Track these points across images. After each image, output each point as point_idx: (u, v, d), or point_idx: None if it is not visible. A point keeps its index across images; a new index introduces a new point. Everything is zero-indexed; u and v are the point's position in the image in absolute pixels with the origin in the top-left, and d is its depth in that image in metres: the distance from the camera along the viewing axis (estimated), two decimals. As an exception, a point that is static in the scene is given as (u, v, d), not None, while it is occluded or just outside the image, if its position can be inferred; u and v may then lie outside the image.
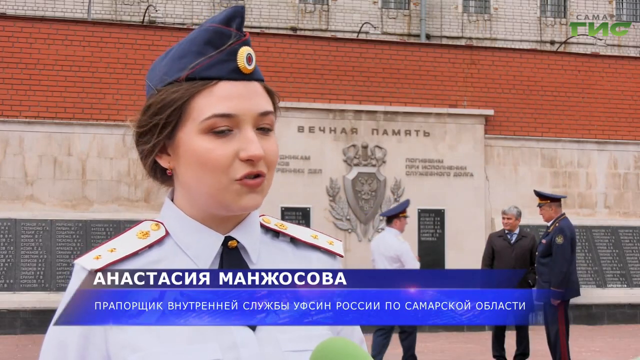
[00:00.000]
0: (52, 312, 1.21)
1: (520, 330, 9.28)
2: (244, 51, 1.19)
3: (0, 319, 12.08)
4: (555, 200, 8.60)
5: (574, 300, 13.81)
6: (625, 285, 14.74)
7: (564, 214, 8.50)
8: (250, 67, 1.20)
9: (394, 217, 8.91)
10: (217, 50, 1.18)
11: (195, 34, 1.22)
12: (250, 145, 1.16)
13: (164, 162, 1.24)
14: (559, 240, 8.19)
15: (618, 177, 15.70)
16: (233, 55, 1.18)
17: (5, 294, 12.28)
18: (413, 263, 8.65)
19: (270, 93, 1.25)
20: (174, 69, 1.21)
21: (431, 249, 14.49)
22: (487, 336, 10.01)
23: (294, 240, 1.30)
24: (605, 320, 13.95)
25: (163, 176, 1.27)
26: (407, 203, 9.19)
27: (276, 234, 1.31)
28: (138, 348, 1.14)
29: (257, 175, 1.18)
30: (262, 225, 1.29)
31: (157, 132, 1.20)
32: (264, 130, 1.20)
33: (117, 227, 12.82)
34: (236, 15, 1.20)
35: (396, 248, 8.67)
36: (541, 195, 8.84)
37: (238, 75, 1.19)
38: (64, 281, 12.41)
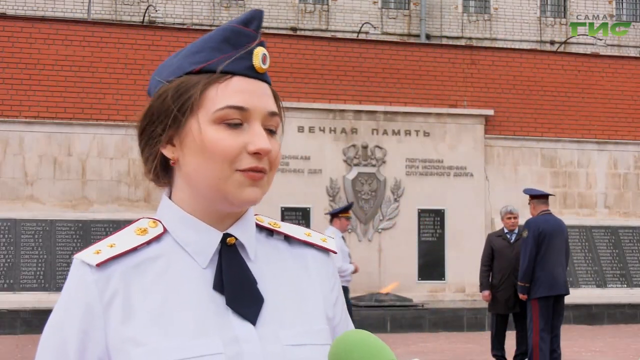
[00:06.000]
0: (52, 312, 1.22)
1: (520, 330, 9.27)
2: (259, 51, 1.25)
3: (0, 319, 12.07)
4: (536, 197, 8.57)
5: (573, 300, 13.86)
6: (625, 285, 14.73)
7: (545, 210, 8.42)
8: (265, 67, 1.26)
9: (334, 216, 9.25)
10: (234, 48, 1.24)
11: (212, 33, 1.27)
12: (259, 139, 1.21)
13: (168, 152, 1.25)
14: (524, 234, 8.29)
15: (618, 177, 15.70)
16: (250, 54, 1.24)
17: (5, 294, 12.28)
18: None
19: (275, 97, 1.29)
20: (187, 63, 1.25)
21: (431, 249, 14.49)
22: (487, 336, 10.00)
23: (287, 238, 1.34)
24: (605, 320, 13.94)
25: (162, 172, 1.29)
26: (349, 205, 9.76)
27: (270, 232, 1.33)
28: (141, 342, 1.15)
29: (260, 171, 1.22)
30: (256, 225, 1.32)
31: (169, 120, 1.23)
32: (269, 131, 1.25)
33: (117, 227, 12.71)
34: (255, 18, 1.26)
35: None
36: (528, 194, 8.84)
37: (252, 73, 1.24)
38: (63, 281, 12.27)
